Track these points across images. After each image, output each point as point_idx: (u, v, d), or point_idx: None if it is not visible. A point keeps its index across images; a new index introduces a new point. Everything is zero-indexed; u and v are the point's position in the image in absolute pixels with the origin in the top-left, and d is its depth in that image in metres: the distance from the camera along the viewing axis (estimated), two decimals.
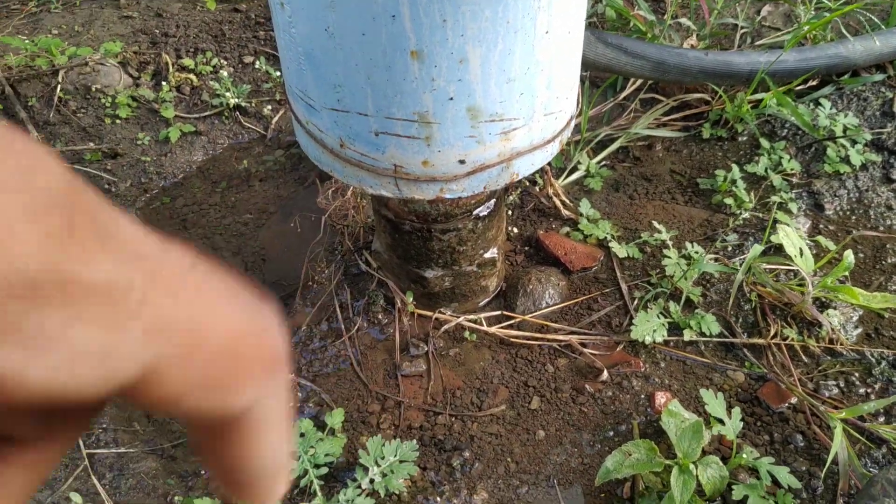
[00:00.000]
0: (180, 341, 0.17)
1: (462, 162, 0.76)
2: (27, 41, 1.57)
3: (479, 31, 0.66)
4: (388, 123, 0.72)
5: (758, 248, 0.98)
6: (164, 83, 1.47)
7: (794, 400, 0.91)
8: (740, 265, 1.02)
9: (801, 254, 0.97)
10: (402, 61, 0.67)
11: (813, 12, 1.48)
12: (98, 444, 0.95)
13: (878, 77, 1.38)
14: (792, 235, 0.97)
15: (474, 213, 0.95)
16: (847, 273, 0.99)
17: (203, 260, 0.18)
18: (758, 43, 1.46)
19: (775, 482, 0.82)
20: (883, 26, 1.42)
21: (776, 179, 1.21)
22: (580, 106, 1.27)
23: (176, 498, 0.89)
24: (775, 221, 1.12)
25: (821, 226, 1.16)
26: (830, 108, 1.30)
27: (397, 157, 0.75)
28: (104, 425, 0.96)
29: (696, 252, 1.07)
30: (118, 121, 1.43)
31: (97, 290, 0.15)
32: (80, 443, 0.93)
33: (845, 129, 1.27)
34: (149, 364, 0.16)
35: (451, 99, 0.70)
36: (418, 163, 0.76)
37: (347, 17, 0.65)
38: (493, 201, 0.96)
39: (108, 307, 0.15)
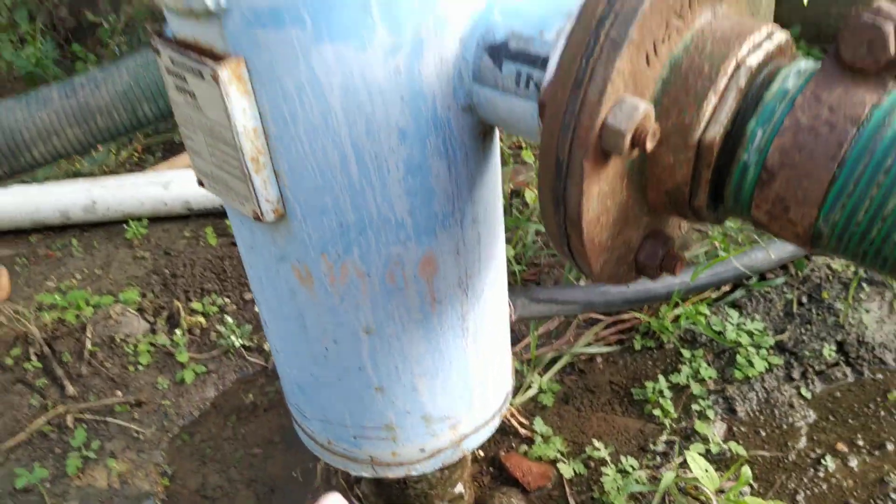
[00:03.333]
0: None
1: (422, 451, 0.99)
2: (58, 296, 1.83)
3: (424, 370, 0.90)
4: (363, 431, 0.96)
5: (669, 476, 1.20)
6: (177, 330, 1.72)
7: None
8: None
9: (707, 472, 1.19)
10: (370, 395, 0.91)
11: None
12: None
13: (780, 280, 1.64)
14: (697, 459, 1.19)
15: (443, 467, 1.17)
16: (748, 484, 1.21)
17: None
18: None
19: None
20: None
21: (696, 388, 1.44)
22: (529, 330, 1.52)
23: None
24: (691, 434, 1.35)
25: (734, 428, 1.39)
26: (738, 317, 1.55)
27: (372, 451, 0.98)
28: None
29: (631, 466, 1.30)
30: (140, 367, 1.67)
31: None
32: None
33: (752, 334, 1.52)
34: None
35: (408, 413, 0.94)
36: (388, 454, 0.99)
37: (327, 369, 0.90)
38: None
39: None
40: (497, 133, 0.83)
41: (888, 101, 0.54)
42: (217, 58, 0.65)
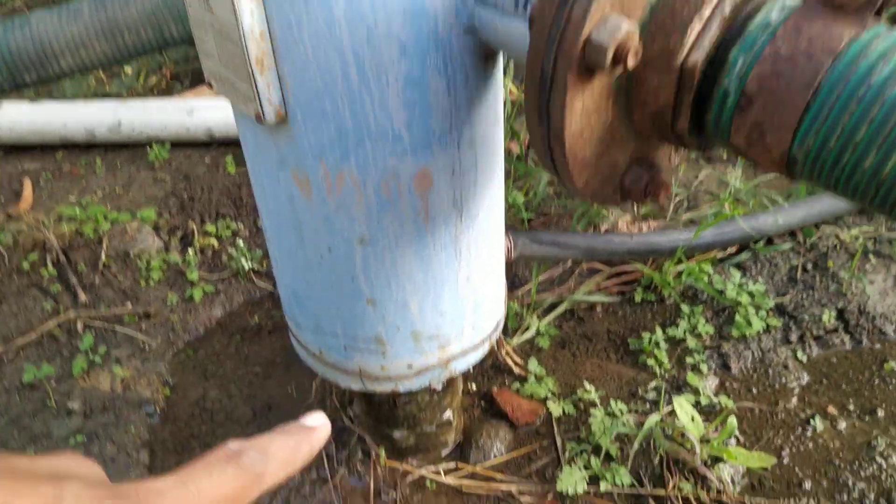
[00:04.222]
0: None
1: (410, 367, 1.02)
2: (78, 209, 1.88)
3: (415, 287, 0.93)
4: (354, 342, 0.99)
5: (654, 418, 1.22)
6: (189, 249, 1.76)
7: None
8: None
9: (693, 419, 1.21)
10: (361, 306, 0.94)
11: (739, 183, 1.76)
12: None
13: (787, 246, 1.64)
14: (685, 405, 1.21)
15: (431, 387, 1.21)
16: (733, 434, 1.23)
17: None
18: (686, 216, 1.74)
19: None
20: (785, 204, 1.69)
21: (692, 342, 1.46)
22: (532, 275, 1.54)
23: None
24: (682, 386, 1.37)
25: (727, 384, 1.41)
26: (741, 277, 1.56)
27: (361, 363, 1.02)
28: None
29: (619, 410, 1.32)
30: (152, 282, 1.71)
31: None
32: None
33: (752, 295, 1.53)
34: None
35: (398, 328, 0.97)
36: (377, 367, 1.02)
37: (321, 276, 0.93)
38: None
39: None
40: (500, 60, 0.85)
41: (866, 36, 0.55)
42: None
